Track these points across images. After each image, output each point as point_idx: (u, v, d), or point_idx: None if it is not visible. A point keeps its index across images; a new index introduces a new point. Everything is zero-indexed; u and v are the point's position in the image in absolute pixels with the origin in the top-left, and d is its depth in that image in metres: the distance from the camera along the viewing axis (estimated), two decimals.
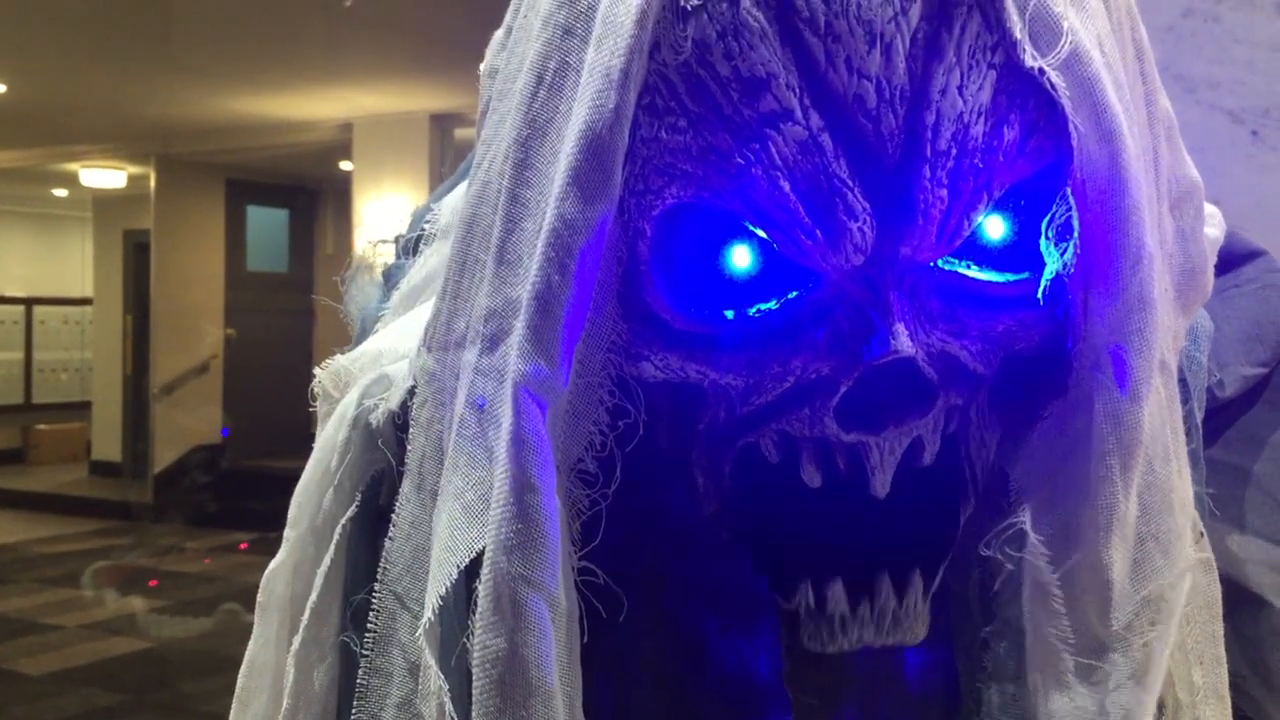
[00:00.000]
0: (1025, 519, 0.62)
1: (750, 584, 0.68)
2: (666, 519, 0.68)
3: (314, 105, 8.77)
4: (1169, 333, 0.62)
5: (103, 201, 11.90)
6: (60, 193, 12.99)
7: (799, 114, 0.53)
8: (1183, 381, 0.71)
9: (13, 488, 11.49)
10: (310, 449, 0.78)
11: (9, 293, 13.58)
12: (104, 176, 11.21)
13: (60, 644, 6.65)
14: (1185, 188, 0.65)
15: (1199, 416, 0.73)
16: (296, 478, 0.77)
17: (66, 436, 13.04)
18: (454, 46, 6.81)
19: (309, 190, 11.53)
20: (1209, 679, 0.68)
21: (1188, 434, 0.69)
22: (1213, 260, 0.68)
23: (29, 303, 13.62)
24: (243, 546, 8.95)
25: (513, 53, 0.63)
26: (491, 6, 0.71)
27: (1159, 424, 0.60)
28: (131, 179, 11.13)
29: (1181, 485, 0.62)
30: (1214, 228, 0.71)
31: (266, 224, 11.40)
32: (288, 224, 11.61)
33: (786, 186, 0.53)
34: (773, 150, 0.53)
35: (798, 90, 0.53)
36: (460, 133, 8.62)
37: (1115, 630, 0.60)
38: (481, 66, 0.69)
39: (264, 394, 10.39)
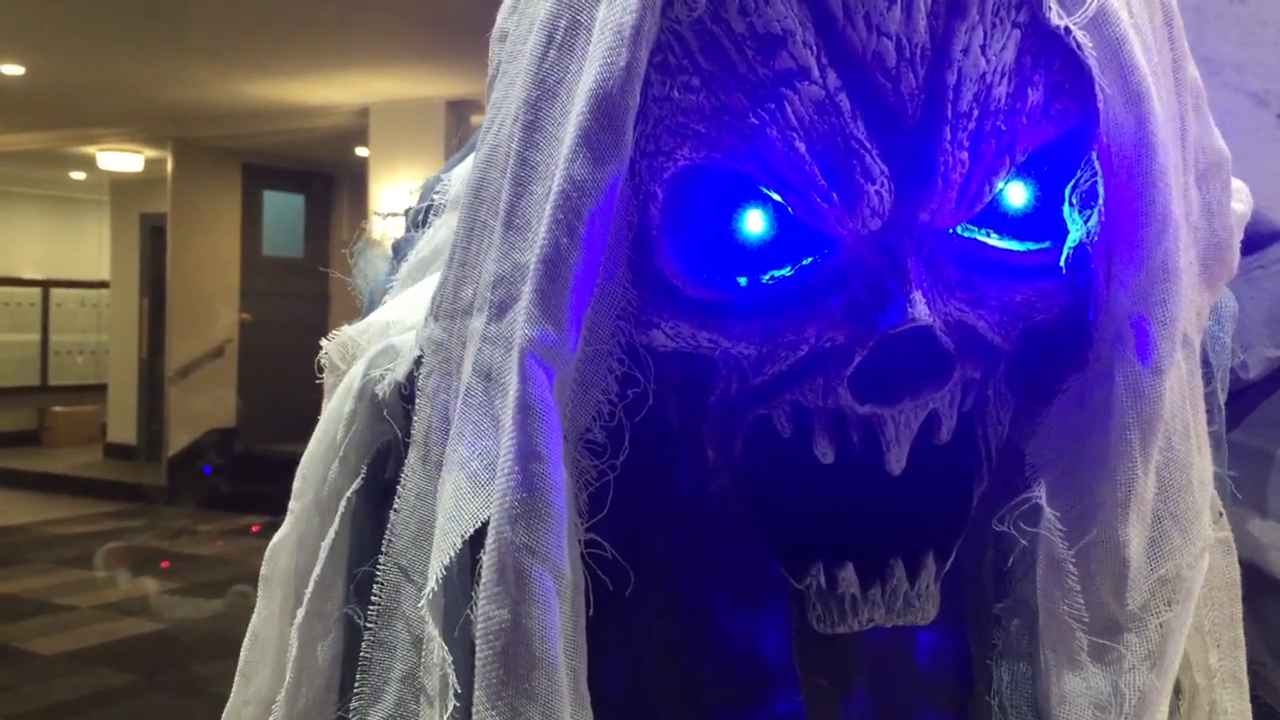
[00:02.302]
0: (1041, 494, 0.60)
1: (760, 562, 0.67)
2: (675, 495, 0.67)
3: (330, 90, 8.77)
4: (1192, 306, 0.60)
5: (120, 185, 11.92)
6: (78, 175, 13.02)
7: (816, 73, 0.51)
8: (1206, 362, 0.69)
9: (28, 469, 11.54)
10: None
11: (26, 275, 13.63)
12: (121, 160, 11.23)
13: (73, 624, 6.67)
14: (1213, 159, 0.63)
15: (1222, 398, 0.71)
16: None
17: (82, 419, 13.09)
18: (470, 32, 6.76)
19: (325, 175, 11.53)
20: (1226, 662, 0.66)
21: (1210, 415, 0.67)
22: (1239, 236, 0.67)
23: (45, 285, 13.66)
24: (255, 529, 8.97)
25: (523, 14, 0.61)
26: None
27: (1179, 400, 0.59)
28: (148, 163, 11.14)
29: (1200, 463, 0.61)
30: (1240, 203, 0.70)
31: (282, 209, 11.40)
32: (303, 209, 11.60)
33: (802, 148, 0.52)
34: (788, 110, 0.52)
35: (815, 48, 0.51)
36: (476, 119, 8.60)
37: (1130, 610, 0.59)
38: (492, 31, 0.68)
39: (278, 378, 10.39)
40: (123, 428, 12.01)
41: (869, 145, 0.52)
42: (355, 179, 10.58)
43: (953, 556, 0.60)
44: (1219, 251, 0.64)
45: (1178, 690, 0.66)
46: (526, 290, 0.55)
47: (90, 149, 11.17)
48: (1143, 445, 0.57)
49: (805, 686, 0.68)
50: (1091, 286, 0.58)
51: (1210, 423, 0.68)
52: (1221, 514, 0.66)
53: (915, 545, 0.59)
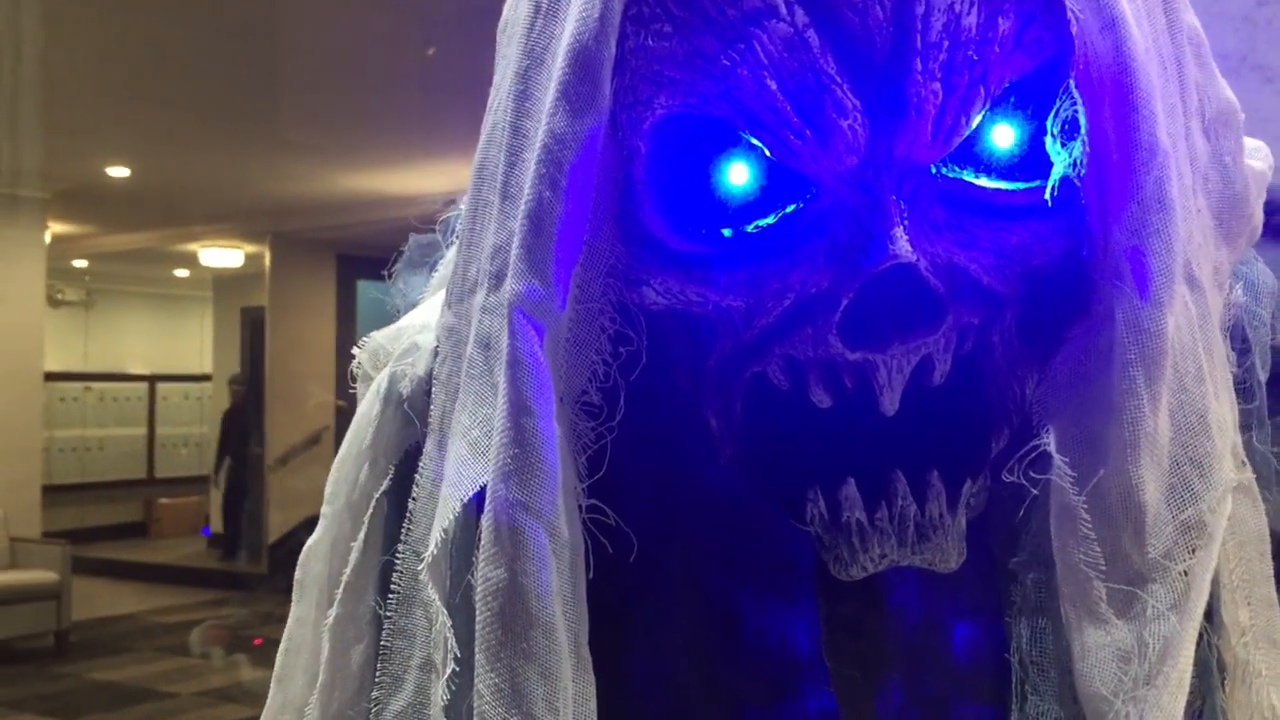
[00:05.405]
0: (1049, 440, 0.58)
1: (787, 552, 0.66)
2: (695, 486, 0.67)
3: (419, 180, 8.99)
4: (1199, 249, 0.58)
5: (221, 280, 12.32)
6: (181, 273, 13.48)
7: (783, 10, 0.51)
8: (1243, 337, 0.67)
9: (134, 560, 11.82)
10: None
11: (134, 370, 14.07)
12: (222, 256, 11.61)
13: (175, 711, 6.76)
14: (1221, 108, 0.62)
15: (1263, 375, 0.69)
16: None
17: (186, 510, 13.38)
18: None
19: None
20: (1258, 621, 0.63)
21: (1250, 393, 0.65)
22: (1260, 195, 0.65)
23: (152, 380, 14.08)
24: None
25: None
26: None
27: (1189, 340, 0.57)
28: (248, 257, 11.51)
29: (1219, 409, 0.58)
30: (1260, 161, 0.68)
31: (376, 297, 11.65)
32: None
33: (774, 86, 0.52)
34: (758, 49, 0.52)
35: None
36: None
37: (1153, 558, 0.56)
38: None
39: None
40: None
41: (840, 80, 0.52)
42: None
43: (966, 492, 0.57)
44: (1236, 205, 0.62)
45: (1221, 669, 0.63)
46: (513, 248, 0.55)
47: (193, 246, 11.57)
48: (1148, 382, 0.55)
49: (837, 680, 0.66)
50: (1085, 224, 0.57)
51: (1250, 400, 0.65)
52: (1244, 462, 0.63)
53: (918, 464, 0.56)
